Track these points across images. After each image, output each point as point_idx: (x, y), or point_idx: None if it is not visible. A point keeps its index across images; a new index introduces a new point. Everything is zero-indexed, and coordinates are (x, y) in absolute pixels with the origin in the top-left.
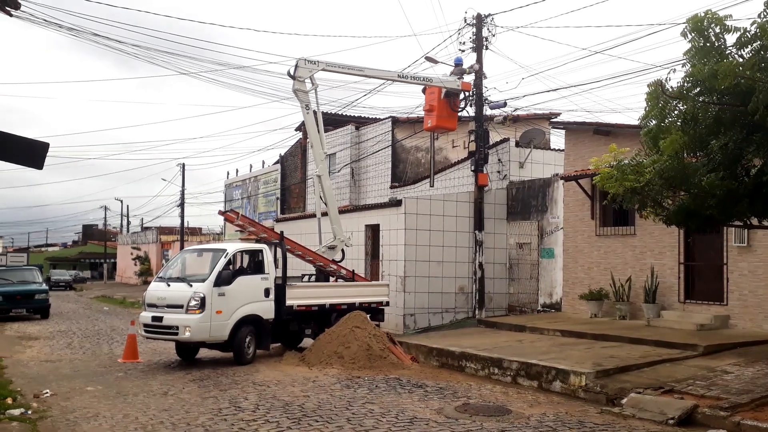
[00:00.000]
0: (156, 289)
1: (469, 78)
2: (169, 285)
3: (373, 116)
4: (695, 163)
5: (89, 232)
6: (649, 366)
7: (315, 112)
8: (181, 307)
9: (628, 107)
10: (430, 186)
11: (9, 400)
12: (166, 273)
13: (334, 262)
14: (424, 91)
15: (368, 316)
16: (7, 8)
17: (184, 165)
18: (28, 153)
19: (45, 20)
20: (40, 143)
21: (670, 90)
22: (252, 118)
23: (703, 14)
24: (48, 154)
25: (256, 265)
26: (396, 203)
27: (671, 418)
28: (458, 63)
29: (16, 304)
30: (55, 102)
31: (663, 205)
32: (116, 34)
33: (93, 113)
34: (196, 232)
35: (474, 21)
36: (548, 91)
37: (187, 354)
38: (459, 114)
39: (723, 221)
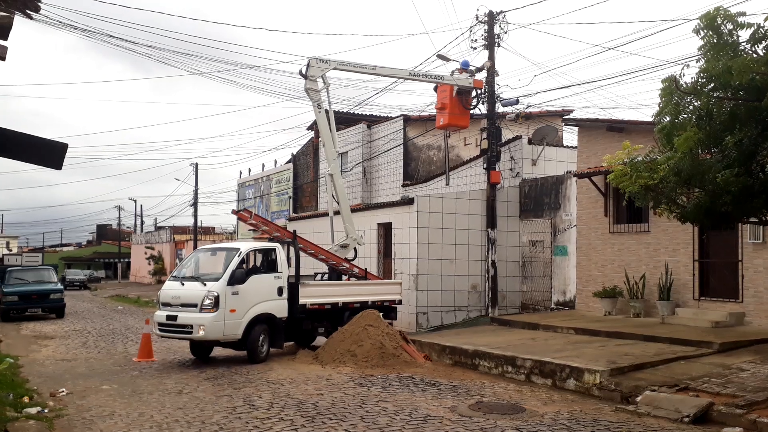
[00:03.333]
0: (170, 288)
1: (481, 75)
2: (183, 284)
3: (385, 114)
4: (710, 159)
5: (103, 231)
6: (664, 364)
7: (327, 111)
8: (196, 306)
9: (641, 104)
10: (446, 184)
11: (26, 399)
12: (180, 272)
13: (346, 260)
14: (436, 89)
15: (381, 314)
16: (28, 11)
17: (197, 165)
18: (48, 154)
19: (60, 22)
20: (59, 144)
21: (684, 86)
22: (264, 117)
23: (715, 12)
24: None
25: (269, 264)
26: (408, 201)
27: (686, 416)
28: (465, 66)
29: (32, 304)
30: (71, 103)
31: (677, 202)
32: (130, 35)
33: (108, 114)
34: (209, 231)
35: (486, 18)
36: (561, 88)
37: (202, 353)
38: (471, 112)
39: (738, 218)
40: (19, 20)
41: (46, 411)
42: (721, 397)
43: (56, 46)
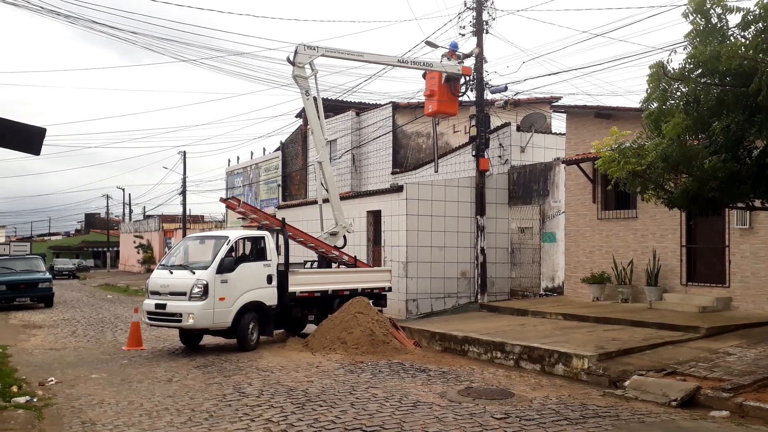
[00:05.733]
0: (159, 277)
1: (470, 62)
2: (171, 272)
3: (374, 102)
4: (697, 145)
5: (92, 220)
6: (652, 348)
7: (315, 98)
8: (184, 294)
9: (629, 90)
10: (435, 171)
11: (14, 388)
12: (169, 260)
13: (336, 248)
14: (424, 76)
15: (371, 301)
16: None
17: (185, 153)
18: (26, 139)
19: (41, 7)
20: (37, 129)
21: (672, 72)
22: (252, 104)
23: None
24: (51, 143)
25: (258, 252)
26: (397, 189)
27: (674, 400)
28: (454, 48)
29: (20, 293)
30: (59, 91)
31: (665, 188)
32: (115, 22)
33: (95, 102)
34: (198, 219)
35: (474, 5)
36: (549, 74)
37: (191, 341)
38: (460, 99)
39: (726, 203)
40: (2, 6)
41: (35, 400)
42: (708, 381)
43: (45, 34)
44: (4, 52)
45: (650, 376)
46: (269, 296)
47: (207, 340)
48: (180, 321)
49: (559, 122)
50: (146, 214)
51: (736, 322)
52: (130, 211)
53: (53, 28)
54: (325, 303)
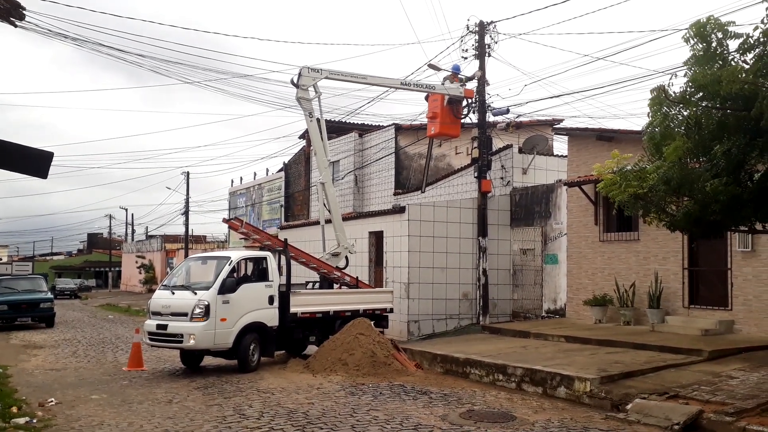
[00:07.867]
0: (160, 297)
1: (472, 85)
2: (173, 293)
3: (377, 123)
4: (699, 168)
5: (94, 240)
6: (654, 371)
7: (318, 120)
8: (186, 315)
9: (630, 113)
10: (421, 192)
11: (14, 409)
12: (171, 281)
13: (338, 269)
14: (427, 98)
15: (372, 323)
16: (12, 19)
17: (188, 173)
18: (33, 162)
19: (49, 30)
20: (45, 153)
21: (673, 96)
22: (256, 126)
23: (705, 20)
24: (55, 163)
25: (260, 273)
26: (399, 210)
27: (676, 424)
28: (456, 71)
29: (22, 313)
30: (64, 113)
31: (667, 210)
32: (122, 45)
33: (100, 124)
34: (200, 240)
35: (476, 28)
36: (551, 97)
37: (192, 362)
38: (462, 121)
39: (727, 226)
40: (12, 31)
41: (34, 421)
42: (711, 404)
43: (53, 58)
44: (12, 75)
45: (653, 400)
46: (270, 317)
47: (207, 361)
48: (181, 342)
49: (561, 144)
50: (149, 234)
51: (738, 345)
52: (133, 231)
53: (60, 53)
54: (327, 324)
